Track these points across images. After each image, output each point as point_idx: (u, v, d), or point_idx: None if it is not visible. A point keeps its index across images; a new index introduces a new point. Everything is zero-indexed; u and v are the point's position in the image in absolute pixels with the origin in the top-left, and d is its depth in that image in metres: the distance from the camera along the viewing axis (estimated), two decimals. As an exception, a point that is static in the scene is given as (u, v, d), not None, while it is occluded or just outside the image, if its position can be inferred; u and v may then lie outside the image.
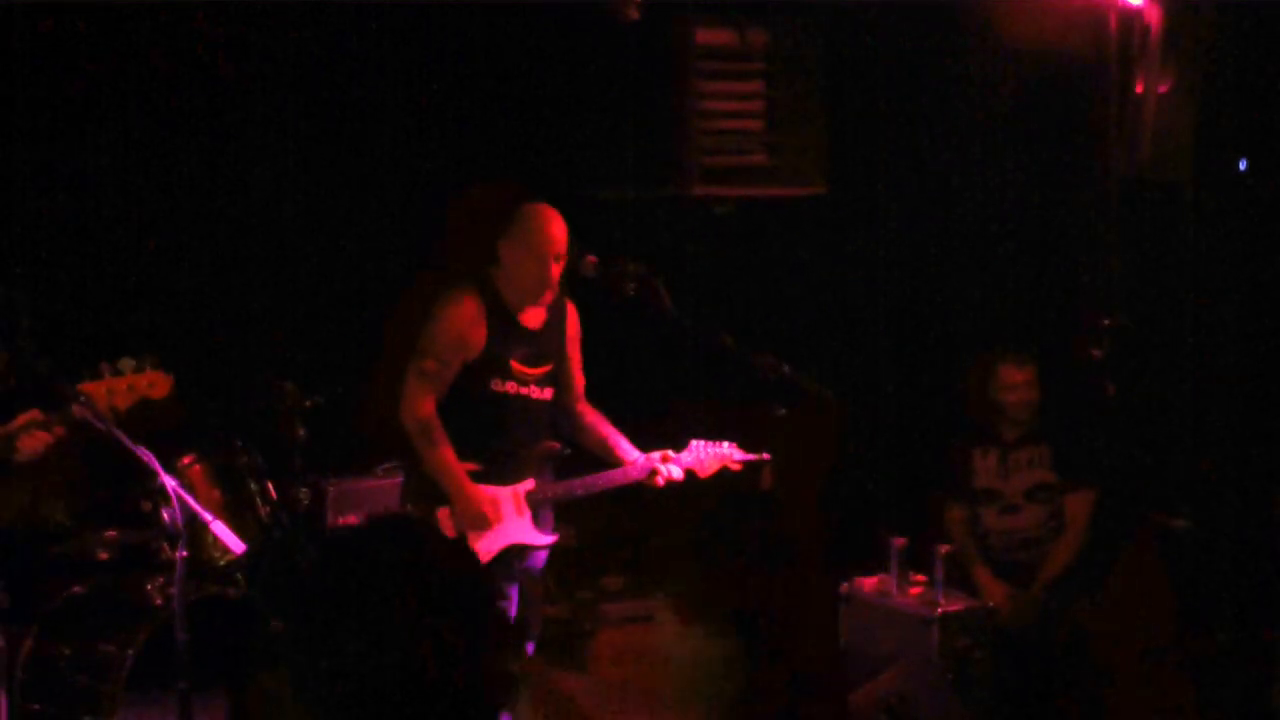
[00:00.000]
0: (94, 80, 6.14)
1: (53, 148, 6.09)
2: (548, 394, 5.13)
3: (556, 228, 5.04)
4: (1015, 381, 5.94)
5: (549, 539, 5.17)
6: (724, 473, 5.28)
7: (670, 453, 5.22)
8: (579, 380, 5.31)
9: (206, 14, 6.26)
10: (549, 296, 5.09)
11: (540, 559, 5.23)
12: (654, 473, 5.17)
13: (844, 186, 6.63)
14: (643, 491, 5.26)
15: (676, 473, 5.19)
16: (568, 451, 5.29)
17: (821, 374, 5.06)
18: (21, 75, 5.98)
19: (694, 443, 5.26)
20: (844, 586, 5.82)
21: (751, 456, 5.22)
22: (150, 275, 6.32)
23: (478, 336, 5.00)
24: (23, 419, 4.10)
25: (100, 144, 6.19)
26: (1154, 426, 6.05)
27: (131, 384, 4.12)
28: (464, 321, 5.00)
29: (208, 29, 6.30)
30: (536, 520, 5.12)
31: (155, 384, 4.15)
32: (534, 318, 5.13)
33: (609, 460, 5.23)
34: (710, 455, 5.24)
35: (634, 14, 6.30)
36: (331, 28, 6.60)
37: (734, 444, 5.26)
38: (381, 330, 5.77)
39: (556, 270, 5.05)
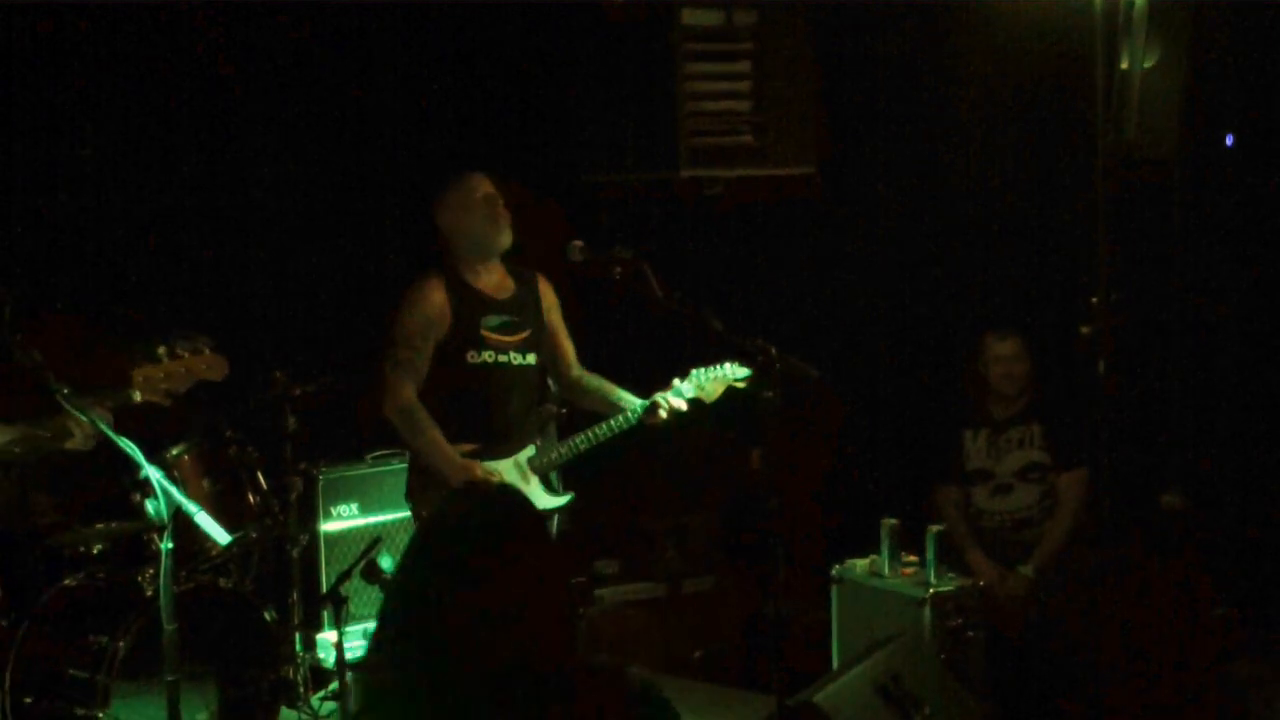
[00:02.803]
0: (94, 80, 6.12)
1: (53, 148, 6.09)
2: (530, 359, 5.14)
3: (479, 179, 5.13)
4: (999, 354, 5.97)
5: (562, 500, 5.16)
6: (730, 392, 5.20)
7: (676, 380, 5.16)
8: (567, 348, 5.32)
9: (206, 14, 6.24)
10: (503, 242, 5.11)
11: (551, 525, 5.21)
12: (655, 406, 5.12)
13: (832, 167, 6.62)
14: (651, 432, 5.20)
15: (679, 402, 5.13)
16: (564, 411, 5.28)
17: (810, 356, 5.05)
18: (21, 75, 5.97)
19: (694, 370, 5.20)
20: (835, 568, 5.83)
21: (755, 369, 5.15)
22: (146, 270, 6.32)
23: (442, 315, 5.03)
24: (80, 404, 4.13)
25: (100, 144, 6.19)
26: (1147, 406, 6.04)
27: (188, 367, 4.13)
28: (426, 303, 5.04)
29: (208, 29, 6.29)
30: (546, 485, 5.13)
31: (212, 366, 4.19)
32: (499, 288, 5.15)
33: (614, 414, 5.20)
34: (711, 378, 5.18)
35: (620, -3, 6.29)
36: (330, 27, 6.58)
37: (735, 363, 5.20)
38: (374, 321, 5.76)
39: (500, 217, 5.10)
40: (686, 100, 6.30)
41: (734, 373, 5.14)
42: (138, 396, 4.11)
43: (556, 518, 5.22)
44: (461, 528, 2.55)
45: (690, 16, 6.32)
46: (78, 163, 6.16)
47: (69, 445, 4.15)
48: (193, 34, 6.26)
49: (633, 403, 5.16)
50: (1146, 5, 5.03)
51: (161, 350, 4.19)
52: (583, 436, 5.14)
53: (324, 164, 6.74)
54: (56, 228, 6.10)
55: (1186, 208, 5.84)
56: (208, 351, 4.21)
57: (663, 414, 5.10)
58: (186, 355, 4.18)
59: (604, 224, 6.62)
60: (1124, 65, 5.08)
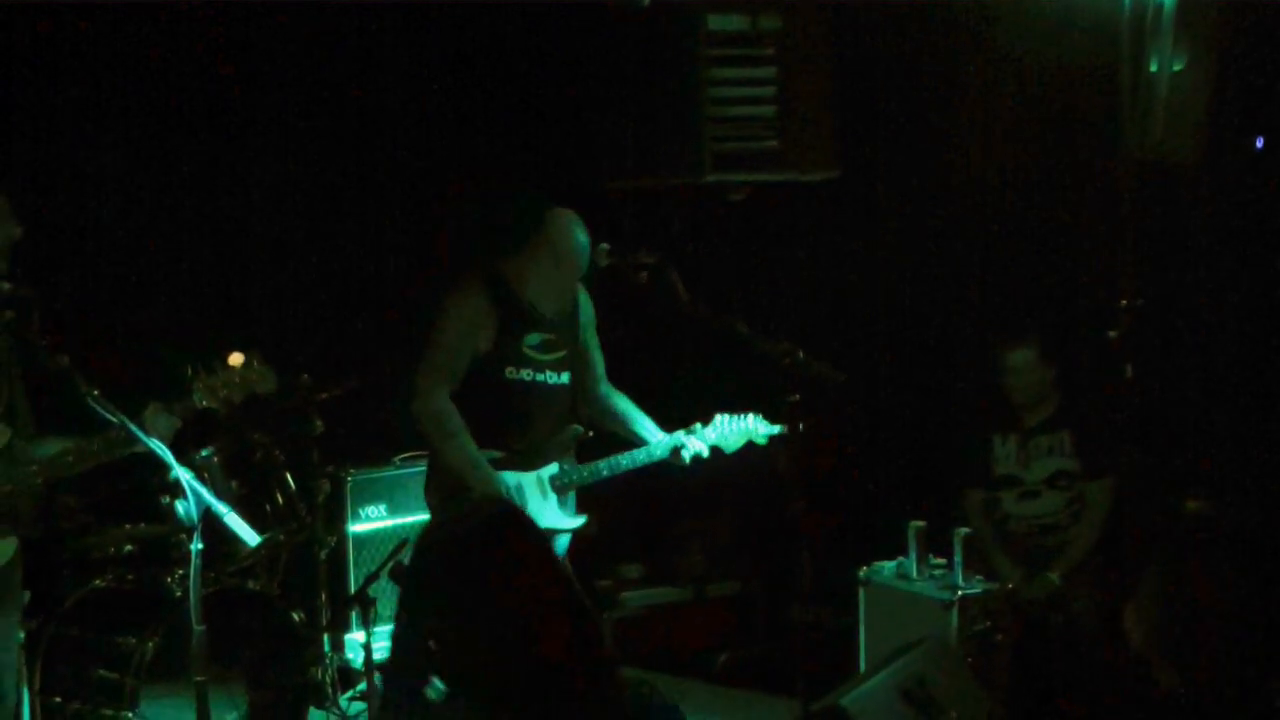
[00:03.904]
0: (94, 80, 6.14)
1: (53, 148, 6.11)
2: (564, 379, 5.15)
3: (585, 238, 5.05)
4: (1015, 365, 5.93)
5: (576, 522, 5.18)
6: (751, 447, 5.27)
7: (699, 425, 5.22)
8: (597, 363, 5.33)
9: (206, 14, 6.26)
10: (568, 297, 5.12)
11: (563, 544, 5.23)
12: (679, 449, 5.17)
13: (856, 171, 6.61)
14: (667, 470, 5.25)
15: (702, 449, 5.18)
16: (590, 435, 5.30)
17: (834, 359, 5.05)
18: (21, 75, 5.99)
19: (718, 417, 5.25)
20: (862, 571, 5.83)
21: (777, 429, 5.20)
22: (157, 270, 6.34)
23: (488, 328, 5.01)
24: (150, 410, 4.24)
25: (101, 144, 6.20)
26: (1174, 410, 6.01)
27: (243, 378, 4.25)
28: (473, 314, 5.01)
29: (208, 29, 6.30)
30: (562, 504, 5.14)
31: (264, 378, 4.28)
32: (547, 305, 5.15)
33: (633, 441, 5.24)
34: (735, 430, 5.23)
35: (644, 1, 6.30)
36: (333, 23, 6.60)
37: (760, 416, 5.24)
38: (394, 322, 5.77)
39: (579, 278, 5.11)
40: (710, 105, 6.30)
41: (758, 427, 5.21)
42: (201, 402, 4.21)
43: (568, 538, 5.23)
44: (457, 536, 2.64)
45: (715, 21, 6.32)
46: (78, 163, 6.18)
47: (138, 448, 4.21)
48: (193, 34, 6.27)
49: (654, 436, 5.21)
50: (1175, 8, 5.01)
51: (217, 362, 4.28)
52: (605, 464, 5.19)
53: (341, 163, 6.75)
54: (57, 229, 6.10)
55: (1214, 211, 5.81)
56: (256, 364, 4.28)
57: (685, 457, 5.16)
58: (238, 366, 4.28)
59: (628, 228, 6.64)
60: (1152, 68, 5.07)
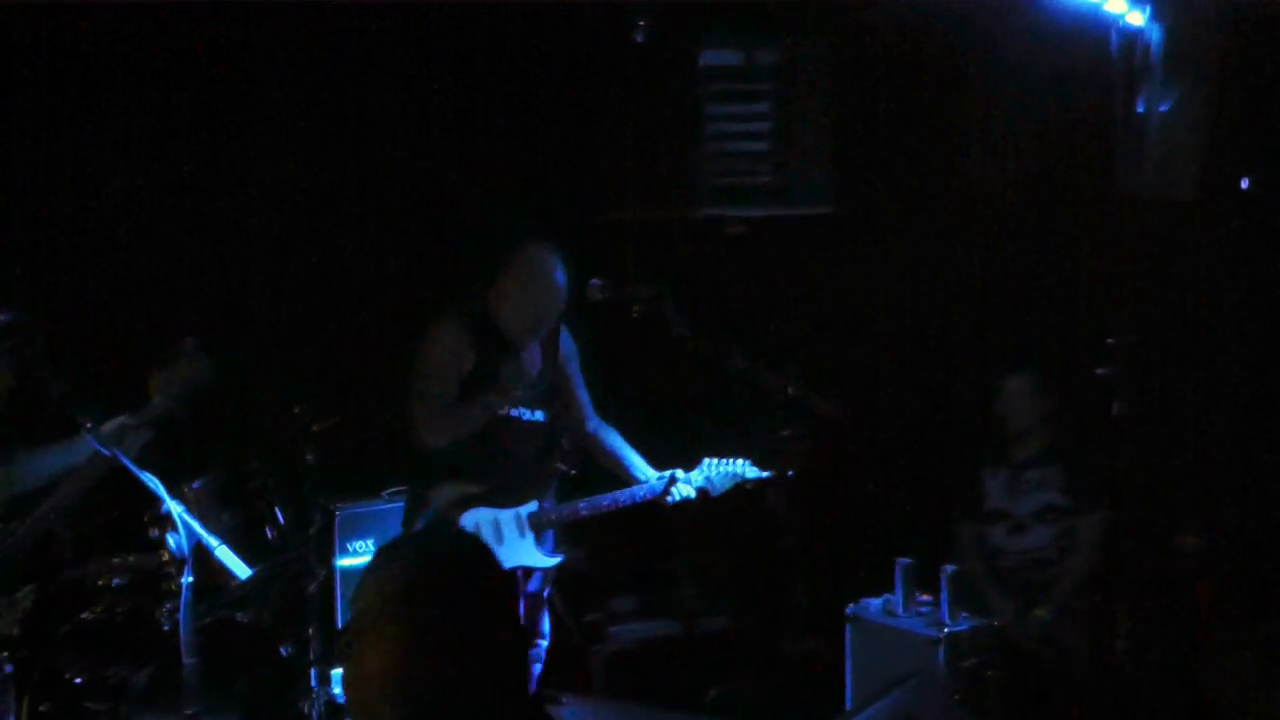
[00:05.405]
0: (94, 80, 6.15)
1: (53, 148, 6.10)
2: (539, 415, 5.13)
3: (560, 275, 5.03)
4: (1011, 390, 5.95)
5: (553, 560, 5.17)
6: (739, 489, 5.26)
7: (680, 472, 5.21)
8: (583, 398, 5.31)
9: (206, 14, 6.27)
10: (546, 332, 5.11)
11: (540, 580, 5.21)
12: (663, 493, 5.15)
13: (851, 206, 6.63)
14: (653, 511, 5.25)
15: (688, 493, 5.17)
16: (572, 473, 5.28)
17: (830, 393, 5.06)
18: (21, 75, 6.00)
19: (706, 460, 5.23)
20: (850, 607, 5.82)
21: (766, 474, 5.19)
22: (150, 288, 6.33)
23: (465, 355, 5.01)
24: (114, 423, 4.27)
25: (101, 144, 6.20)
26: (1162, 445, 6.03)
27: (182, 369, 4.33)
28: (450, 340, 5.03)
29: (208, 29, 6.31)
30: (540, 542, 5.13)
31: (198, 367, 4.37)
32: (523, 340, 5.16)
33: (623, 478, 5.22)
34: (723, 474, 5.22)
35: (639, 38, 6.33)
36: (333, 23, 6.61)
37: (748, 461, 5.24)
38: (393, 356, 5.74)
39: (559, 313, 5.07)
40: (707, 139, 6.33)
41: (746, 471, 5.19)
42: (156, 402, 4.22)
43: (544, 575, 5.22)
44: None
45: (710, 57, 6.35)
46: (78, 165, 6.17)
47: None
48: (193, 34, 6.28)
49: (644, 473, 5.20)
50: (1164, 47, 5.05)
51: (165, 355, 4.28)
52: (586, 504, 5.16)
53: (337, 186, 6.75)
54: (57, 233, 6.09)
55: (1203, 248, 5.84)
56: (190, 350, 4.29)
57: (668, 502, 5.14)
58: (179, 356, 4.29)
59: (627, 259, 6.65)
60: (1141, 107, 5.11)
